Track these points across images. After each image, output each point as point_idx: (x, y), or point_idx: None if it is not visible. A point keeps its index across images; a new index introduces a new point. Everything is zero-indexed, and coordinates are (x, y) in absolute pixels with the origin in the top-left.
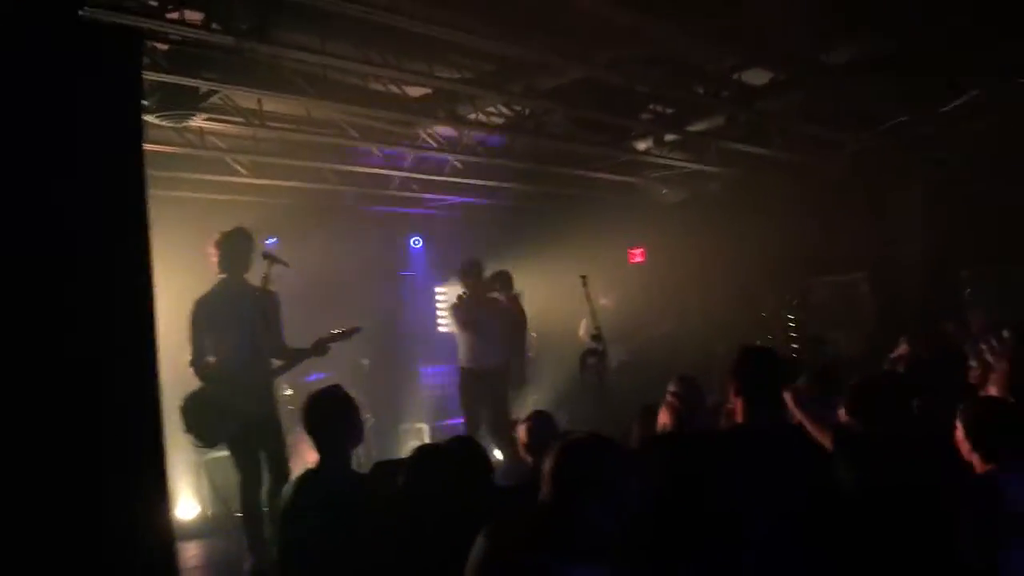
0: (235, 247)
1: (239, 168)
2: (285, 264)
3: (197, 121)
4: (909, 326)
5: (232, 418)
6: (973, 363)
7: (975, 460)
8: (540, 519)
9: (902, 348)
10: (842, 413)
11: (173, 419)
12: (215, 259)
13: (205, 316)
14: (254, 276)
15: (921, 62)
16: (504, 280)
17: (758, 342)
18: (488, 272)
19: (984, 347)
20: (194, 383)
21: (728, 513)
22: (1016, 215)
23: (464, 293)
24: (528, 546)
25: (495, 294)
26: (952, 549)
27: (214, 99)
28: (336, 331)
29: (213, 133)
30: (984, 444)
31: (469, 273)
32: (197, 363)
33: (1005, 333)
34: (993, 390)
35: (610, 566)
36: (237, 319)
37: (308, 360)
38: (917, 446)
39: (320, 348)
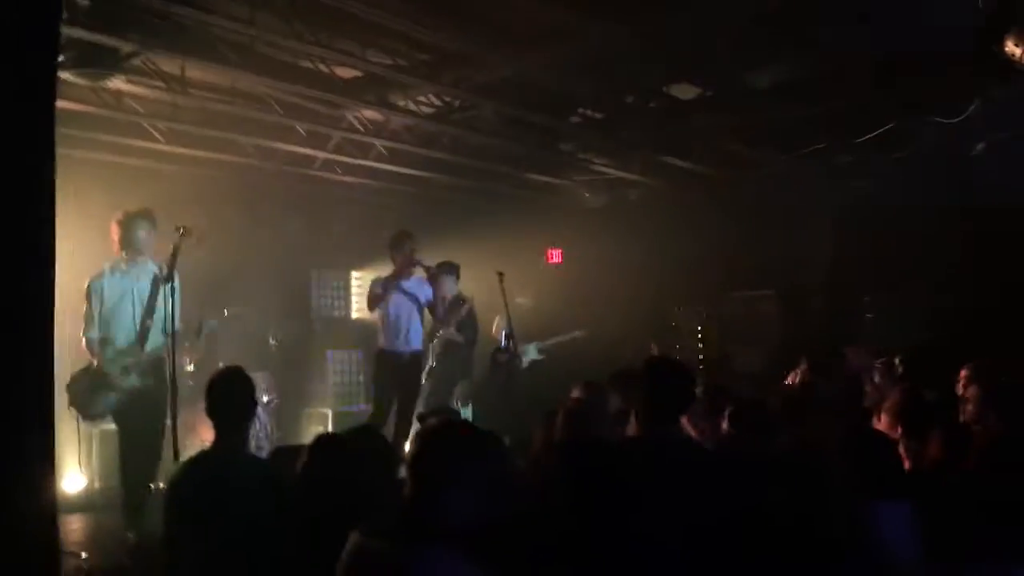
0: (136, 229)
1: (156, 135)
2: (196, 239)
3: (116, 83)
4: (811, 347)
5: (113, 392)
6: (867, 388)
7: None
8: (402, 509)
9: (801, 369)
10: (725, 425)
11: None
12: (116, 237)
13: (97, 293)
14: (166, 248)
15: (840, 91)
16: (445, 269)
17: (671, 350)
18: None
19: (877, 373)
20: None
21: (617, 522)
22: (919, 244)
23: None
24: (386, 536)
25: (420, 272)
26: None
27: (135, 61)
28: (208, 322)
29: (132, 96)
30: (860, 472)
31: (396, 245)
32: (89, 337)
33: (897, 360)
34: (884, 418)
35: (463, 551)
36: (130, 298)
37: (215, 338)
38: (792, 468)
39: (191, 334)
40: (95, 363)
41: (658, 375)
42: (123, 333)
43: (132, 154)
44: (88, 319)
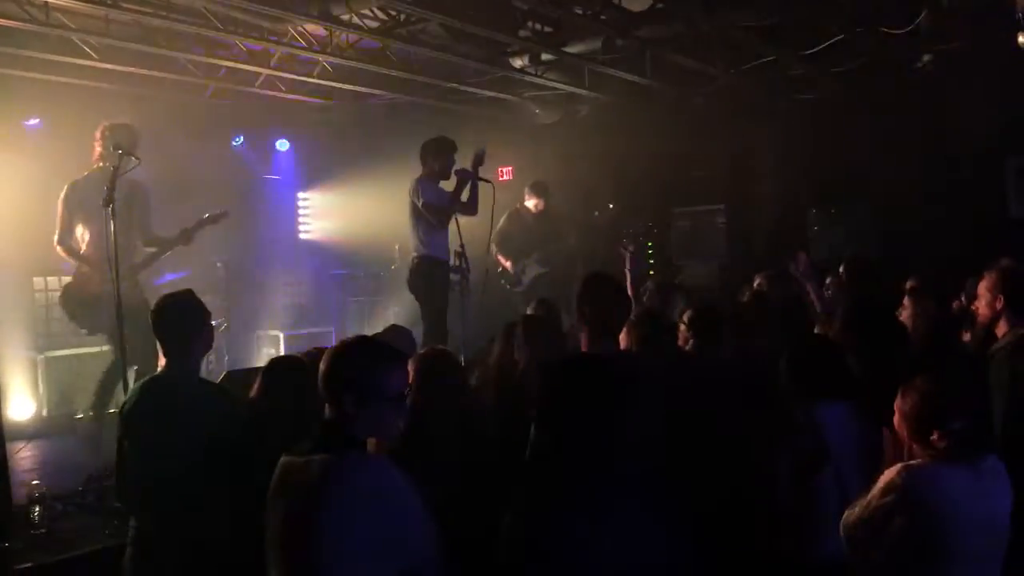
0: (121, 137)
1: (88, 51)
2: (136, 158)
3: None
4: (758, 260)
5: (107, 305)
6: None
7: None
8: (321, 424)
9: (757, 281)
10: (682, 330)
11: (11, 314)
12: (98, 147)
13: (78, 200)
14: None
15: (789, 3)
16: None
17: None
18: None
19: (824, 284)
20: (47, 263)
21: (562, 438)
22: (865, 158)
23: None
24: (308, 451)
25: None
26: (763, 477)
27: None
28: (204, 217)
29: (59, 9)
30: (803, 380)
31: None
32: (64, 242)
33: (840, 269)
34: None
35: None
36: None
37: (159, 261)
38: (739, 373)
39: (186, 237)
40: (80, 276)
41: (599, 290)
42: (104, 244)
43: (65, 72)
44: (64, 224)
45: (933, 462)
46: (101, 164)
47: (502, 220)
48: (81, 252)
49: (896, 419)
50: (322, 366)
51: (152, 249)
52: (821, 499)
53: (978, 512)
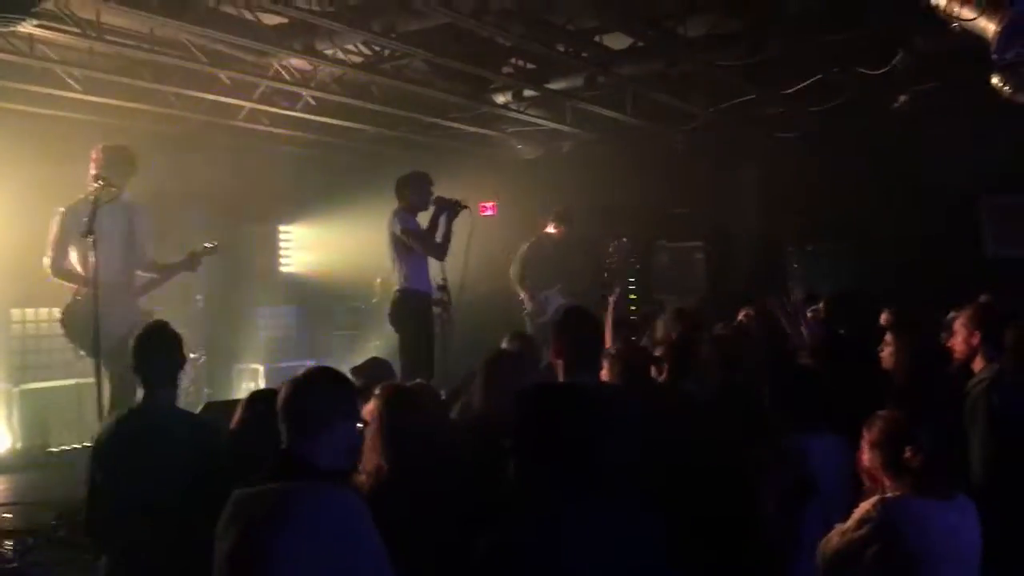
0: (115, 161)
1: (72, 83)
2: (115, 187)
3: (27, 27)
4: (737, 297)
5: (109, 329)
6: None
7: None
8: (278, 454)
9: (742, 315)
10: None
11: None
12: (94, 169)
13: (75, 224)
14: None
15: (769, 43)
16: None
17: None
18: None
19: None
20: (25, 295)
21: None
22: (843, 196)
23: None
24: (265, 480)
25: None
26: (749, 508)
27: (48, 4)
28: (207, 246)
29: (44, 42)
30: (787, 409)
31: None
32: (58, 265)
33: (820, 306)
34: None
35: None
36: (109, 231)
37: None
38: (722, 407)
39: (193, 263)
40: (79, 300)
41: (576, 324)
42: (104, 269)
43: (48, 104)
44: (59, 247)
45: (907, 495)
46: (96, 186)
47: (524, 248)
48: (80, 274)
49: (865, 453)
50: (281, 395)
51: (153, 275)
52: (805, 529)
53: (951, 545)
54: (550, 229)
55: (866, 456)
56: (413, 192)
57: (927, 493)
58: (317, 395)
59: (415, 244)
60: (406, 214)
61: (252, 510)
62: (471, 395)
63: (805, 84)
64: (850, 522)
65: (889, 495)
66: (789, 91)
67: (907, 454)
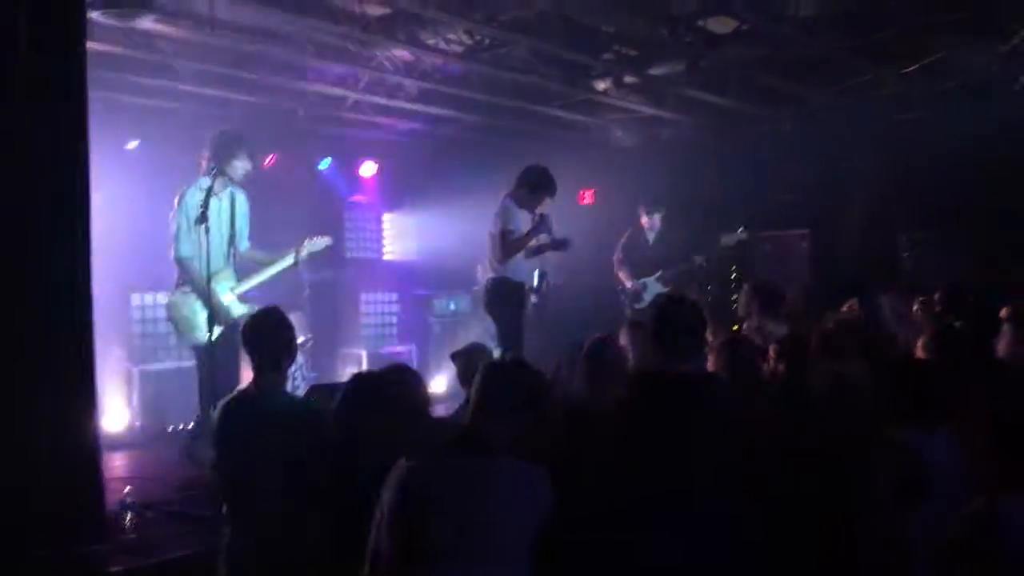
0: (225, 144)
1: (184, 75)
2: (225, 174)
3: (145, 22)
4: (843, 286)
5: (209, 320)
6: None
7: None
8: (465, 430)
9: (845, 308)
10: (771, 356)
11: (109, 328)
12: (205, 157)
13: (189, 211)
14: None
15: (885, 20)
16: None
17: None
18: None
19: (919, 309)
20: (144, 281)
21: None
22: (959, 181)
23: None
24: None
25: None
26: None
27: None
28: (318, 239)
29: (160, 36)
30: (900, 403)
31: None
32: (183, 257)
33: (936, 297)
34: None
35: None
36: (217, 219)
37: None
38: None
39: (297, 258)
40: (188, 288)
41: (674, 311)
42: (213, 256)
43: (161, 96)
44: (182, 235)
45: (1017, 492)
46: (211, 174)
47: (624, 236)
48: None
49: (977, 448)
50: (480, 380)
51: (258, 262)
52: (921, 529)
53: None
54: (642, 219)
55: (977, 451)
56: (529, 189)
57: None
58: (510, 383)
59: (499, 243)
60: (514, 211)
61: (442, 483)
62: (572, 378)
63: (923, 64)
64: (957, 523)
65: (997, 494)
66: (906, 71)
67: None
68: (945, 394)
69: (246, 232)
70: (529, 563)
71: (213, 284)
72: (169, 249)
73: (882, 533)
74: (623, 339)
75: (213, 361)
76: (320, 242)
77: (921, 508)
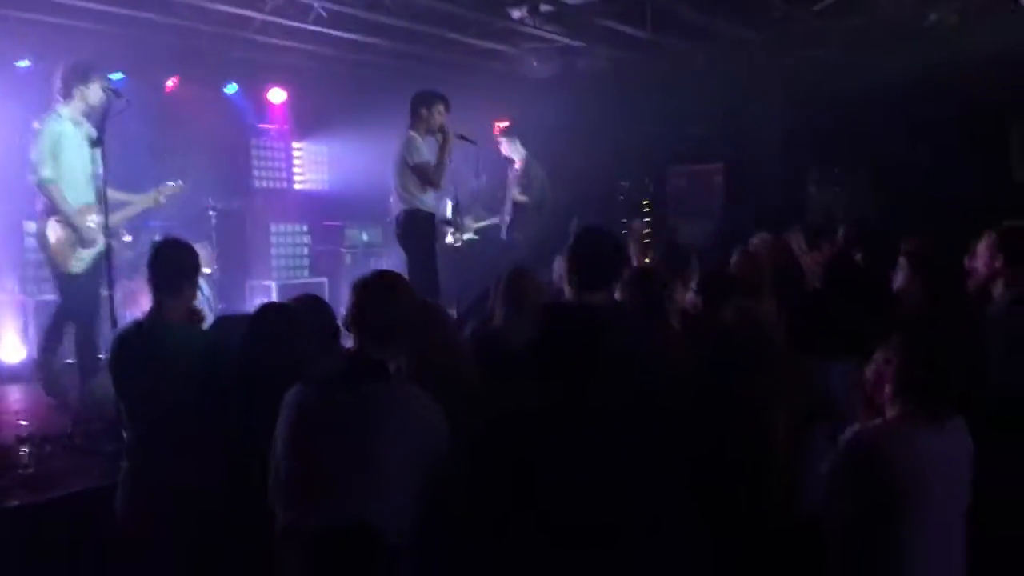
0: (78, 74)
1: None
2: (124, 99)
3: None
4: (755, 220)
5: (87, 252)
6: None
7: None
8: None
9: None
10: (689, 295)
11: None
12: (62, 85)
13: (51, 140)
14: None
15: None
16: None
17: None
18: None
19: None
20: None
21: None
22: (868, 119)
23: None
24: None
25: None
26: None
27: None
28: (172, 184)
29: None
30: (803, 337)
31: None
32: (46, 179)
33: (839, 233)
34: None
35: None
36: (79, 151)
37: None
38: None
39: (156, 200)
40: (64, 209)
41: (591, 244)
42: (77, 188)
43: (54, 11)
44: (42, 161)
45: (900, 420)
46: (64, 104)
47: None
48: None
49: (871, 373)
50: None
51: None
52: (817, 455)
53: (938, 472)
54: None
55: (871, 376)
56: (427, 112)
57: (920, 418)
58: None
59: (420, 177)
60: (418, 143)
61: (332, 411)
62: (489, 310)
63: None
64: (839, 447)
65: (876, 421)
66: (819, 7)
67: (914, 373)
68: (842, 326)
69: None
70: (423, 489)
71: (79, 213)
72: (30, 175)
73: (780, 461)
74: (556, 269)
75: (81, 289)
76: (174, 187)
77: (816, 434)
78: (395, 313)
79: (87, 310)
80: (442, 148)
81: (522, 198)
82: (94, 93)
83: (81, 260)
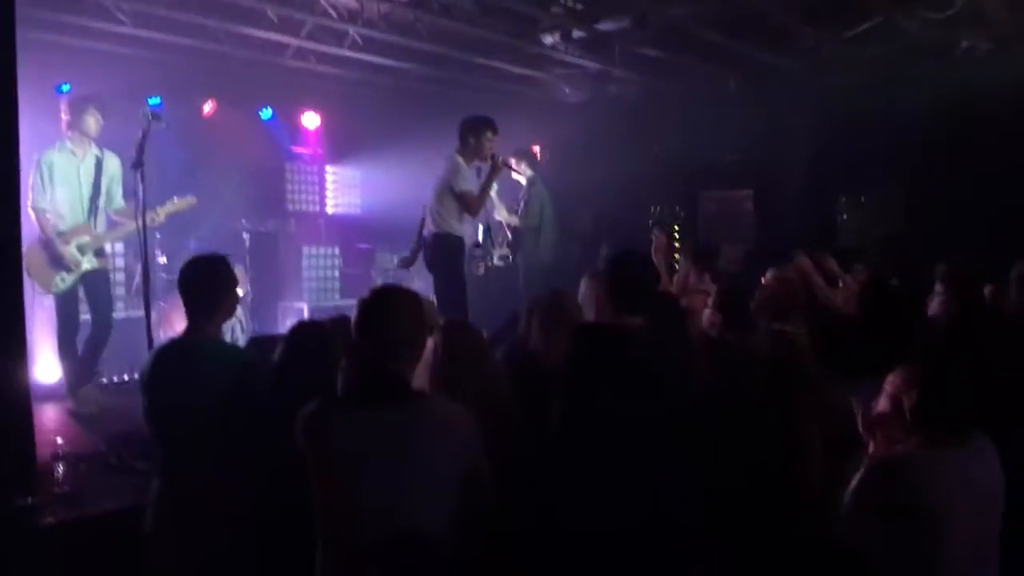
0: (80, 111)
1: (120, 16)
2: (163, 123)
3: None
4: (787, 245)
5: (71, 274)
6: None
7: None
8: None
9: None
10: (707, 312)
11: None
12: (65, 118)
13: (47, 169)
14: (130, 133)
15: None
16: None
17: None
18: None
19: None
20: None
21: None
22: (897, 144)
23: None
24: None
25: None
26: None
27: None
28: (178, 200)
29: None
30: (836, 359)
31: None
32: (38, 208)
33: (860, 267)
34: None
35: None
36: (76, 178)
37: (186, 229)
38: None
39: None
40: (49, 236)
41: (624, 267)
42: (71, 212)
43: (96, 37)
44: (38, 191)
45: (922, 448)
46: (70, 134)
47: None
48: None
49: (886, 400)
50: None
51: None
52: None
53: (968, 495)
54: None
55: (883, 404)
56: (474, 142)
57: (947, 443)
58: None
59: (461, 204)
60: (465, 171)
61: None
62: (525, 332)
63: (866, 27)
64: (860, 476)
65: (902, 449)
66: (849, 34)
67: (941, 397)
68: (875, 351)
69: (118, 192)
70: (457, 503)
71: (68, 238)
72: (26, 200)
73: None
74: (582, 290)
75: (67, 309)
76: (180, 203)
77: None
78: (403, 323)
79: (68, 325)
80: (489, 176)
81: (513, 220)
82: (87, 122)
83: (63, 281)
